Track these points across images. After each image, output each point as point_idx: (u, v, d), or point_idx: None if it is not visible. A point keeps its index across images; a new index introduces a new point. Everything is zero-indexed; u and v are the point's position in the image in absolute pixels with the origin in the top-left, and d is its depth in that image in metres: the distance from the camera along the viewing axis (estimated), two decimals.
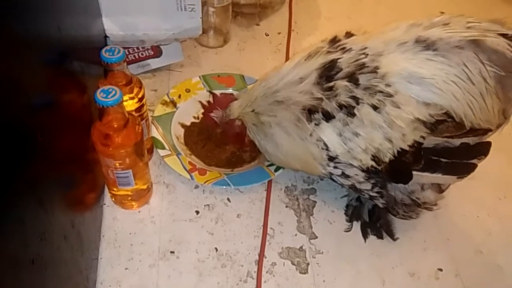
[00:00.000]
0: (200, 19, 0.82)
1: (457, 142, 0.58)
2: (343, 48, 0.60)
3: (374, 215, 0.70)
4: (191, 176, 0.71)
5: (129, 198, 0.68)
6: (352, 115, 0.56)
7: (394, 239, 0.69)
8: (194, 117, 0.82)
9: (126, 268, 0.64)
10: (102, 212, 0.69)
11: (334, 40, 0.63)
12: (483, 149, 0.60)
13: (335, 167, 0.60)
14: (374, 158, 0.58)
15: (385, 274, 0.67)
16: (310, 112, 0.58)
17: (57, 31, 0.52)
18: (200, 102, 0.75)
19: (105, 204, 0.70)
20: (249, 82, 0.84)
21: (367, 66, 0.57)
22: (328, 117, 0.57)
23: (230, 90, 0.83)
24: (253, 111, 0.64)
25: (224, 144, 0.76)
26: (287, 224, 0.71)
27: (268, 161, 0.73)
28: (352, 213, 0.72)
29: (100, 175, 0.66)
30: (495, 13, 0.59)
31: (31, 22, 0.43)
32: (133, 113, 0.65)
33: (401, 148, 0.57)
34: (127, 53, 0.85)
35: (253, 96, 0.64)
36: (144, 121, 0.69)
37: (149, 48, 0.87)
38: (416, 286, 0.66)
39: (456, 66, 0.55)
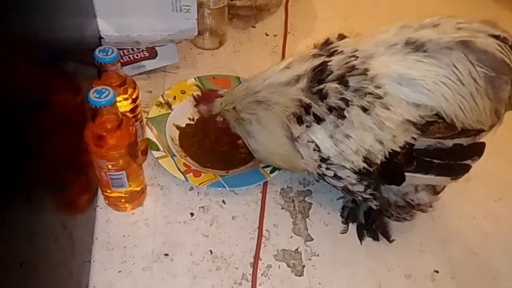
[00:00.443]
0: (196, 20, 0.82)
1: (449, 143, 0.58)
2: (335, 51, 0.61)
3: (370, 217, 0.70)
4: (185, 178, 0.71)
5: (123, 200, 0.68)
6: (343, 117, 0.57)
7: (390, 241, 0.69)
8: (189, 119, 0.82)
9: (119, 271, 0.64)
10: (95, 214, 0.69)
11: (326, 43, 0.63)
12: (477, 150, 0.60)
13: (327, 169, 0.61)
14: (366, 159, 0.58)
15: (381, 276, 0.67)
16: (301, 114, 0.59)
17: (49, 31, 0.52)
18: (192, 94, 0.75)
19: (98, 206, 0.70)
20: None
21: (357, 68, 0.57)
22: (319, 119, 0.58)
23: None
24: (234, 108, 0.65)
25: (218, 144, 0.75)
26: (283, 226, 0.71)
27: (264, 163, 0.73)
28: (348, 215, 0.71)
29: (93, 176, 0.65)
30: (490, 15, 0.59)
31: (23, 23, 0.44)
32: (127, 114, 0.64)
33: (392, 150, 0.57)
34: (122, 54, 0.85)
35: (235, 95, 0.66)
36: (138, 122, 0.69)
37: (144, 49, 0.87)
38: None
39: (446, 67, 0.56)
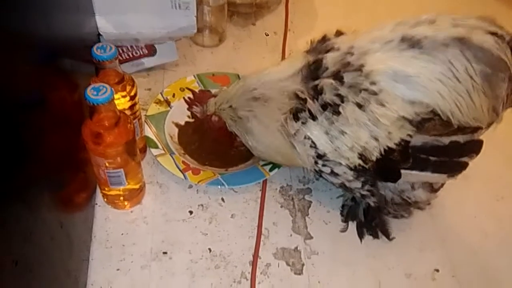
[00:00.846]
0: (195, 17, 0.82)
1: (446, 140, 0.58)
2: (332, 48, 0.61)
3: (369, 214, 0.69)
4: (184, 175, 0.70)
5: (121, 198, 0.68)
6: (338, 113, 0.57)
7: (390, 239, 0.69)
8: (188, 117, 0.81)
9: (118, 269, 0.64)
10: (94, 212, 0.69)
11: (323, 40, 0.63)
12: (474, 147, 0.60)
13: (323, 165, 0.61)
14: (361, 156, 0.58)
15: (381, 275, 0.67)
16: (296, 110, 0.59)
17: (47, 29, 0.52)
18: (184, 98, 0.75)
19: (97, 204, 0.70)
20: None
21: (352, 65, 0.57)
22: (314, 115, 0.58)
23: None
24: (230, 106, 0.66)
25: (216, 142, 0.74)
26: (282, 224, 0.71)
27: (263, 160, 0.72)
28: (348, 213, 0.71)
29: (91, 174, 0.65)
30: (488, 11, 0.59)
31: (21, 20, 0.44)
32: (126, 111, 0.63)
33: (387, 146, 0.57)
34: (121, 51, 0.85)
35: (230, 93, 0.66)
36: (136, 120, 0.69)
37: (143, 47, 0.87)
38: (412, 287, 0.66)
39: (442, 64, 0.56)
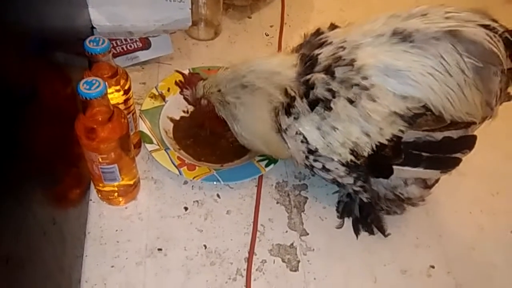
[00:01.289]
0: (190, 10, 0.82)
1: (439, 135, 0.58)
2: (325, 41, 0.61)
3: (364, 210, 0.69)
4: (179, 171, 0.70)
5: (116, 193, 0.68)
6: (329, 109, 0.57)
7: (385, 235, 0.70)
8: (184, 111, 0.81)
9: (112, 266, 0.64)
10: (88, 208, 0.69)
11: (317, 33, 0.63)
12: (467, 143, 0.60)
13: (315, 160, 0.61)
14: (353, 152, 0.58)
15: (377, 271, 0.67)
16: (287, 104, 0.59)
17: (39, 21, 0.52)
18: (175, 82, 0.75)
19: (91, 200, 0.70)
20: None
21: (344, 59, 0.57)
22: (305, 110, 0.58)
23: None
24: (219, 90, 0.66)
25: (207, 130, 0.75)
26: (278, 220, 0.71)
27: (259, 156, 0.72)
28: (343, 209, 0.72)
29: (85, 170, 0.65)
30: (481, 3, 0.58)
31: (12, 12, 0.44)
32: (120, 106, 0.63)
33: (379, 142, 0.57)
34: (115, 45, 0.85)
35: (220, 77, 0.66)
36: (130, 114, 0.69)
37: (138, 40, 0.87)
38: (408, 283, 0.67)
39: (433, 57, 0.56)
